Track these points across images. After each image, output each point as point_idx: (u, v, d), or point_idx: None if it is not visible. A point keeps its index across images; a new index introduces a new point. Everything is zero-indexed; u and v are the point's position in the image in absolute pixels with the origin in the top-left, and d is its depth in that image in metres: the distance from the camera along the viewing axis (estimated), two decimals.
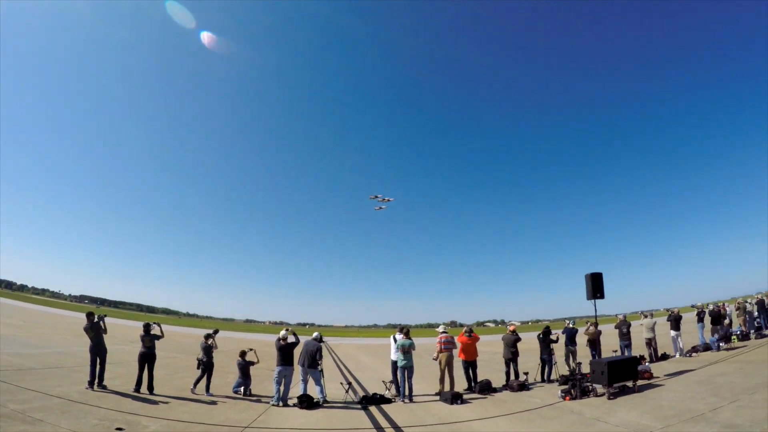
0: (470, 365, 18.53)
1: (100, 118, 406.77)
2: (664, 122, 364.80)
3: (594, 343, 21.72)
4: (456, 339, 18.44)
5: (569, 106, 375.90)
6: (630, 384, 15.89)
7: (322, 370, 16.78)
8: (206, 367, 17.10)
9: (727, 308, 32.36)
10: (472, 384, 18.25)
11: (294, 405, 15.28)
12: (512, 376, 19.05)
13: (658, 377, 17.75)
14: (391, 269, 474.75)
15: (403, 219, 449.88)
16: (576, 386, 15.64)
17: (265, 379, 19.83)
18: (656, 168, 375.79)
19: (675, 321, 24.43)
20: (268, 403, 15.65)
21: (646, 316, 24.87)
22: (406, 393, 16.53)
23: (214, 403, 15.41)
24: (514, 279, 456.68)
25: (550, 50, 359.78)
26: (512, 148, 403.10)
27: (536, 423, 12.67)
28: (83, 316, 17.01)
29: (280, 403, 15.38)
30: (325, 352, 25.54)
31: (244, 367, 17.70)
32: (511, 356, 19.27)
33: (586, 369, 17.42)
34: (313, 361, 16.27)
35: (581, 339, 21.82)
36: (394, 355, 17.45)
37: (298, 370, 16.43)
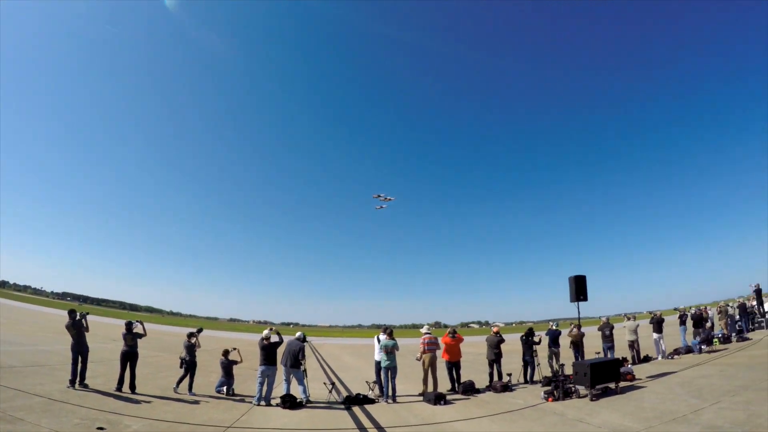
0: (454, 366, 18.66)
1: (81, 113, 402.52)
2: (645, 126, 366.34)
3: (577, 344, 21.98)
4: (440, 340, 18.46)
5: (553, 108, 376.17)
6: (612, 385, 16.05)
7: (305, 370, 16.75)
8: (189, 366, 17.02)
9: (709, 312, 32.87)
10: (456, 385, 18.36)
11: (277, 405, 15.25)
12: (495, 377, 19.23)
13: (640, 379, 17.96)
14: (376, 269, 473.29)
15: (389, 220, 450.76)
16: (559, 387, 15.78)
17: (248, 378, 19.81)
18: (640, 172, 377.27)
19: (657, 324, 24.77)
20: (251, 402, 15.58)
21: (629, 319, 25.18)
22: (390, 393, 16.60)
23: (196, 402, 15.35)
24: (499, 280, 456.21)
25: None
26: (498, 149, 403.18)
27: (519, 424, 12.81)
28: (65, 313, 16.87)
29: (263, 403, 15.38)
30: (308, 351, 25.57)
31: (228, 366, 17.67)
32: (495, 357, 19.42)
33: (569, 370, 17.59)
34: (295, 361, 16.24)
35: (564, 341, 22.01)
36: (378, 355, 17.49)
37: (281, 369, 16.35)
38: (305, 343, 17.19)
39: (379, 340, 17.59)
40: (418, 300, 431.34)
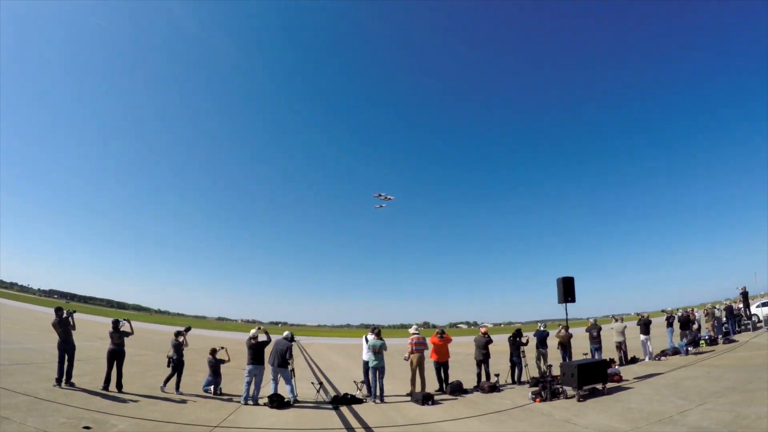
0: (442, 366, 18.71)
1: (65, 108, 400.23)
2: (633, 130, 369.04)
3: (565, 346, 22.03)
4: (428, 340, 18.46)
5: (540, 111, 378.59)
6: (600, 386, 16.17)
7: (293, 370, 16.77)
8: (176, 365, 16.98)
9: (696, 314, 33.11)
10: (444, 385, 18.38)
11: (264, 404, 15.24)
12: (483, 378, 19.29)
13: (627, 380, 18.05)
14: (366, 269, 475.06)
15: (379, 220, 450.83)
16: (546, 388, 15.86)
17: (235, 377, 19.72)
18: (630, 176, 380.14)
19: (645, 325, 24.94)
20: (238, 402, 15.55)
21: (616, 320, 25.28)
22: (377, 393, 16.63)
23: (184, 401, 15.31)
24: (488, 281, 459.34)
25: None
26: (487, 152, 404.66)
27: (507, 424, 12.88)
28: (52, 311, 16.77)
29: (251, 403, 15.39)
30: (296, 351, 25.48)
31: (215, 365, 17.62)
32: (483, 358, 19.47)
33: (556, 371, 17.67)
34: (283, 361, 16.20)
35: (552, 342, 22.08)
36: (366, 355, 17.54)
37: (269, 369, 16.30)
38: (293, 343, 17.16)
39: (367, 340, 17.61)
40: (407, 300, 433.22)
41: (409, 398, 17.01)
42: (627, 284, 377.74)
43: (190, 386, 17.65)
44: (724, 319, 33.16)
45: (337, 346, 71.63)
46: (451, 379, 18.61)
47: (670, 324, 28.09)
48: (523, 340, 20.49)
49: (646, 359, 24.27)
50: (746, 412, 11.22)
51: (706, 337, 27.74)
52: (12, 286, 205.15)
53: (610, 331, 25.33)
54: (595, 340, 23.21)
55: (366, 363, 17.52)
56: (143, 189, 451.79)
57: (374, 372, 16.81)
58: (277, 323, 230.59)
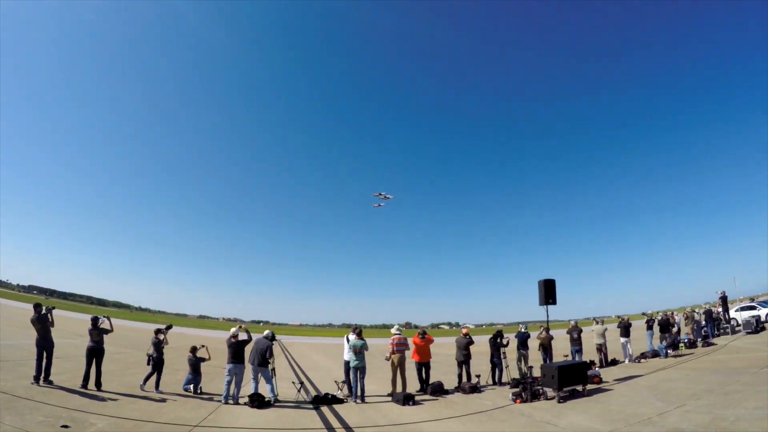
0: (423, 366, 18.78)
1: (45, 103, 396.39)
2: (615, 132, 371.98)
3: (546, 347, 22.20)
4: (410, 341, 18.46)
5: (522, 111, 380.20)
6: (580, 388, 16.27)
7: (273, 369, 16.73)
8: (156, 363, 16.89)
9: (676, 317, 33.60)
10: (425, 385, 18.38)
11: (245, 404, 15.20)
12: (464, 379, 19.38)
13: (607, 382, 18.21)
14: (348, 269, 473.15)
15: (362, 220, 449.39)
16: (527, 389, 15.97)
17: (216, 376, 19.65)
18: (612, 178, 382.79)
19: (625, 328, 25.22)
20: (218, 401, 15.48)
21: (597, 323, 25.51)
22: (358, 393, 16.69)
23: (163, 400, 15.24)
24: (470, 282, 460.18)
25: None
26: (469, 150, 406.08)
27: (487, 425, 13.00)
28: (30, 307, 16.57)
29: (231, 402, 15.36)
30: (277, 350, 25.40)
31: (195, 363, 17.54)
32: (464, 359, 19.59)
33: (537, 373, 17.77)
34: (263, 360, 16.15)
35: (533, 343, 22.19)
36: (347, 355, 17.57)
37: (249, 368, 16.22)
38: (273, 342, 17.06)
39: (348, 340, 17.64)
40: (390, 300, 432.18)
41: (390, 398, 17.07)
42: (608, 287, 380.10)
43: (170, 385, 17.58)
44: (704, 322, 33.64)
45: (318, 345, 71.56)
46: (432, 380, 18.74)
47: (650, 327, 28.45)
48: (504, 341, 20.55)
49: (626, 361, 24.51)
50: (724, 414, 11.34)
51: (686, 340, 28.11)
52: None
53: (591, 334, 25.59)
54: (576, 342, 23.44)
55: (347, 363, 17.55)
56: (125, 184, 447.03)
57: (355, 372, 16.85)
58: (258, 322, 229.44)
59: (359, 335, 17.57)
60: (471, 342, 19.96)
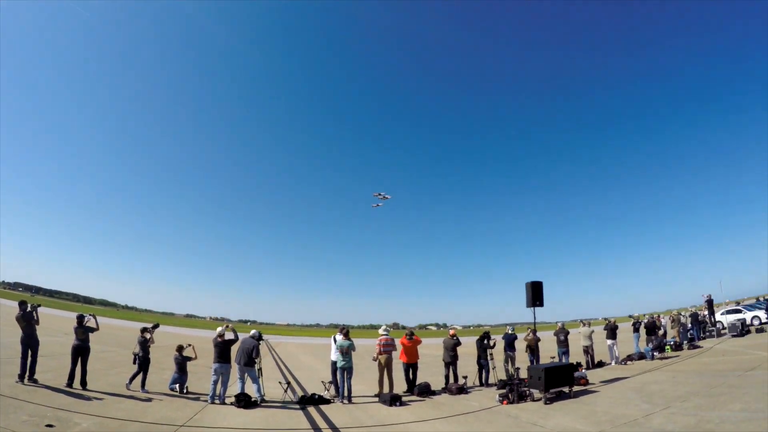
0: (411, 367, 18.79)
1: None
2: (602, 134, 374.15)
3: (533, 349, 22.27)
4: (397, 341, 18.45)
5: (511, 114, 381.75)
6: (566, 390, 16.37)
7: (260, 369, 16.69)
8: (142, 362, 16.76)
9: (662, 320, 33.77)
10: (412, 386, 18.39)
11: (231, 404, 15.15)
12: (451, 380, 19.48)
13: (593, 384, 18.34)
14: (336, 269, 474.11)
15: (350, 220, 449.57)
16: (514, 391, 16.07)
17: (203, 376, 19.53)
18: (599, 180, 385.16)
19: (612, 330, 25.39)
20: (205, 401, 15.42)
21: (584, 325, 25.68)
22: (345, 394, 16.71)
23: (149, 400, 15.14)
24: (458, 284, 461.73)
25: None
26: (458, 152, 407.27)
27: (474, 426, 13.05)
28: (16, 304, 16.40)
29: (217, 402, 15.32)
30: (264, 350, 25.28)
31: (182, 362, 17.56)
32: (451, 360, 19.69)
33: (524, 374, 17.81)
34: (249, 360, 16.13)
35: (520, 345, 22.29)
36: (334, 355, 17.60)
37: (236, 368, 16.13)
38: (260, 342, 16.96)
39: (335, 341, 17.64)
40: (378, 300, 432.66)
41: (377, 399, 17.12)
42: (595, 290, 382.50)
43: (156, 384, 17.48)
44: (690, 325, 33.90)
45: (306, 345, 71.35)
46: (419, 381, 18.75)
47: (636, 329, 28.66)
48: (491, 343, 20.58)
49: (613, 363, 24.66)
50: (709, 416, 11.43)
51: (672, 343, 28.31)
52: None
53: (578, 336, 25.75)
54: (563, 344, 23.56)
55: (334, 363, 17.59)
56: (112, 181, 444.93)
57: (342, 372, 16.85)
58: (246, 321, 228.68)
59: (346, 336, 17.58)
60: (458, 343, 20.03)
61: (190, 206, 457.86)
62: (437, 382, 19.49)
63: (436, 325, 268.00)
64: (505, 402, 15.80)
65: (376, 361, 17.96)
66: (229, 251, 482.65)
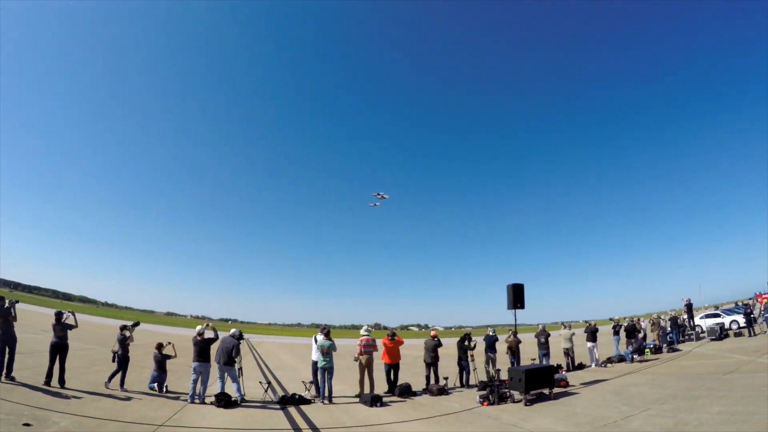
0: (392, 368, 18.77)
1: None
2: (582, 135, 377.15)
3: (513, 351, 22.36)
4: (380, 342, 18.44)
5: (497, 114, 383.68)
6: (546, 391, 16.53)
7: (240, 369, 16.62)
8: (122, 360, 16.57)
9: (642, 323, 34.04)
10: (393, 387, 18.36)
11: (211, 403, 15.07)
12: (432, 381, 19.55)
13: (573, 386, 18.51)
14: (318, 269, 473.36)
15: (332, 221, 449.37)
16: (494, 392, 16.18)
17: (183, 375, 19.40)
18: (581, 184, 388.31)
19: (592, 333, 25.61)
20: (185, 400, 15.31)
21: (565, 327, 25.95)
22: (326, 394, 16.71)
23: (128, 399, 15.00)
24: (440, 285, 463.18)
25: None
26: (444, 154, 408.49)
27: (454, 427, 13.14)
28: None
29: (197, 401, 15.22)
30: (245, 349, 25.12)
31: (161, 360, 17.44)
32: (432, 361, 19.79)
33: (504, 376, 17.88)
34: (229, 359, 16.06)
35: (501, 346, 22.38)
36: (315, 355, 17.56)
37: (215, 367, 16.00)
38: (241, 341, 16.83)
39: (316, 341, 17.58)
40: (360, 300, 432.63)
41: (357, 399, 17.15)
42: (576, 293, 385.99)
43: (136, 383, 17.35)
44: (669, 329, 34.35)
45: (287, 345, 71.08)
46: (400, 382, 18.73)
47: (616, 332, 28.99)
48: (471, 344, 20.62)
49: (593, 366, 24.89)
50: (688, 418, 11.61)
51: (651, 346, 28.62)
52: None
53: (558, 338, 26.02)
54: (544, 346, 23.74)
55: (315, 363, 17.59)
56: (92, 177, 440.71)
57: (323, 372, 16.87)
58: (227, 320, 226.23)
59: (327, 335, 17.57)
60: (439, 344, 20.10)
61: (174, 204, 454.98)
62: (418, 383, 19.59)
63: (418, 325, 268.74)
64: (485, 403, 15.89)
65: (357, 361, 17.99)
66: (212, 249, 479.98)
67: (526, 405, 15.32)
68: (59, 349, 15.54)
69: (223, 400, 14.93)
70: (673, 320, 35.28)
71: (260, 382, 17.97)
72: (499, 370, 19.59)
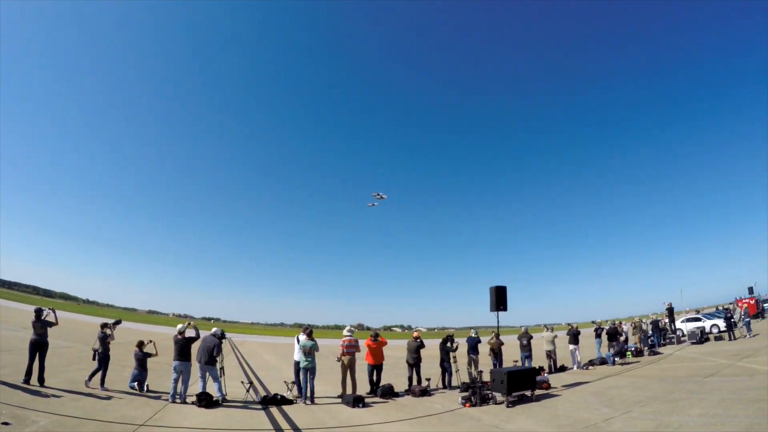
0: (375, 369, 18.83)
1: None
2: (568, 136, 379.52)
3: (496, 352, 22.48)
4: (363, 343, 18.44)
5: (481, 114, 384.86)
6: (528, 393, 16.64)
7: (222, 368, 16.54)
8: (102, 359, 16.46)
9: (624, 326, 34.41)
10: (375, 388, 18.38)
11: (192, 403, 15.02)
12: (415, 382, 19.64)
13: (555, 388, 18.62)
14: (301, 268, 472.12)
15: (315, 221, 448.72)
16: (476, 393, 16.25)
17: (164, 374, 19.31)
18: (564, 186, 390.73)
19: (574, 335, 25.82)
20: (166, 400, 15.27)
21: (547, 329, 26.06)
22: (308, 394, 16.78)
23: (109, 398, 14.94)
24: (424, 286, 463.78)
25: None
26: (428, 155, 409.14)
27: (436, 428, 13.26)
28: None
29: (178, 400, 15.20)
30: (227, 349, 24.97)
31: (142, 359, 17.37)
32: (414, 362, 19.94)
33: (487, 377, 17.98)
34: (210, 358, 16.03)
35: (484, 348, 22.47)
36: (297, 355, 17.59)
37: (197, 366, 15.89)
38: (222, 340, 16.75)
39: (298, 341, 17.58)
40: (343, 300, 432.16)
41: (339, 400, 17.22)
42: (558, 295, 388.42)
43: (116, 382, 17.29)
44: (650, 332, 34.68)
45: (269, 344, 70.73)
46: (382, 383, 18.77)
47: (598, 335, 29.24)
48: (454, 346, 20.70)
49: (575, 368, 25.07)
50: (668, 420, 11.70)
51: (633, 349, 28.93)
52: None
53: (541, 340, 26.25)
54: (526, 348, 23.92)
55: (297, 363, 17.61)
56: (74, 173, 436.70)
57: (305, 373, 16.92)
58: (209, 319, 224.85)
59: (310, 336, 17.60)
60: (422, 345, 20.22)
61: (158, 201, 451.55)
62: (400, 384, 19.71)
63: (401, 326, 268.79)
64: (467, 405, 16.00)
65: (339, 361, 18.02)
66: (195, 247, 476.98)
67: (507, 406, 15.44)
68: (39, 347, 15.41)
69: (205, 400, 14.89)
70: (655, 324, 35.62)
71: (242, 382, 17.94)
72: (481, 372, 19.68)
